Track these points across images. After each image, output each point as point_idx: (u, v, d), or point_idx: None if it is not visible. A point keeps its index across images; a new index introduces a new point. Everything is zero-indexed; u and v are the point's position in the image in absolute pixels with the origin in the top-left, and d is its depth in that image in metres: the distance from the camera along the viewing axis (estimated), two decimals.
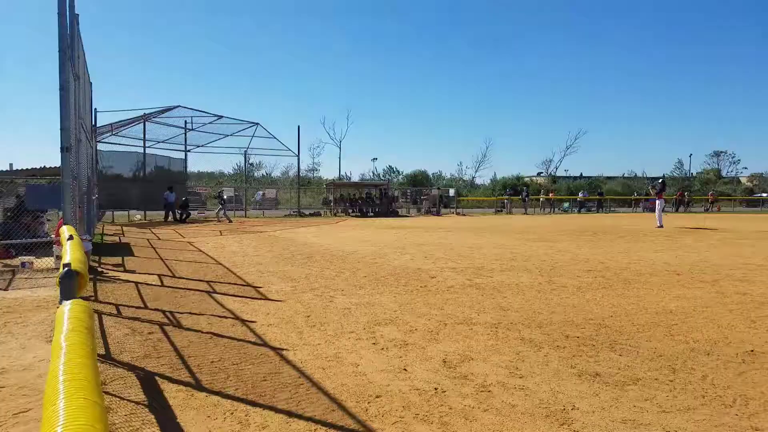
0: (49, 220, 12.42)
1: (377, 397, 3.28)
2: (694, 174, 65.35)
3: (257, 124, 27.17)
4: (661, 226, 18.25)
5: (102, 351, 4.14)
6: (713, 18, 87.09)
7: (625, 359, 3.96)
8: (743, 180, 66.78)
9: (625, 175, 64.52)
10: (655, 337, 4.57)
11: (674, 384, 3.45)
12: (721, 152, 70.81)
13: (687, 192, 42.51)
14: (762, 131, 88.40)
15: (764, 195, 46.45)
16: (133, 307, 5.83)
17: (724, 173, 69.23)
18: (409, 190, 38.53)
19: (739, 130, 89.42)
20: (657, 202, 19.19)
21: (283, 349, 4.25)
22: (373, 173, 59.32)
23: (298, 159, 29.94)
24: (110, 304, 5.92)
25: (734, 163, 70.40)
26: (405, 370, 3.77)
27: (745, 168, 69.34)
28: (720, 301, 6.02)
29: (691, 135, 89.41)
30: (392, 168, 62.30)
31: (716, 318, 5.24)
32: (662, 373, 3.65)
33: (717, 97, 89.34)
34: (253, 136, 27.79)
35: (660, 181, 21.09)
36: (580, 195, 39.47)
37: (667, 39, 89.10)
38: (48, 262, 8.56)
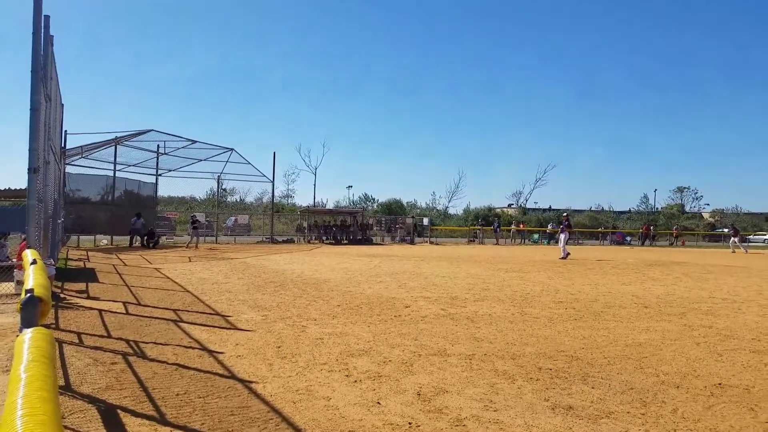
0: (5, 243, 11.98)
1: None
2: (659, 209, 67.37)
3: (232, 149, 27.05)
4: (565, 257, 19.08)
5: (62, 382, 3.95)
6: (676, 55, 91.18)
7: (598, 392, 3.96)
8: (706, 215, 69.12)
9: (593, 209, 66.13)
10: (626, 369, 4.61)
11: (646, 417, 3.46)
12: (684, 188, 73.38)
13: (652, 226, 43.65)
14: (723, 170, 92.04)
15: (726, 230, 48.02)
16: (95, 335, 5.60)
17: (687, 208, 71.59)
18: (383, 219, 38.64)
19: (701, 167, 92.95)
20: (562, 235, 20.27)
21: (252, 382, 4.12)
22: (349, 200, 59.43)
23: (273, 185, 29.86)
24: (72, 332, 5.68)
25: (697, 199, 73.00)
26: (378, 403, 3.69)
27: (707, 204, 71.92)
28: (688, 334, 6.12)
29: (656, 171, 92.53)
30: (367, 196, 62.62)
31: (684, 351, 5.31)
32: (634, 406, 3.66)
33: (681, 134, 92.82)
34: (227, 162, 27.59)
35: (565, 214, 22.40)
36: (550, 227, 40.22)
37: (632, 75, 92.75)
38: (8, 287, 8.21)
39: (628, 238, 41.95)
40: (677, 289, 10.44)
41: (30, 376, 1.09)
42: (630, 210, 67.92)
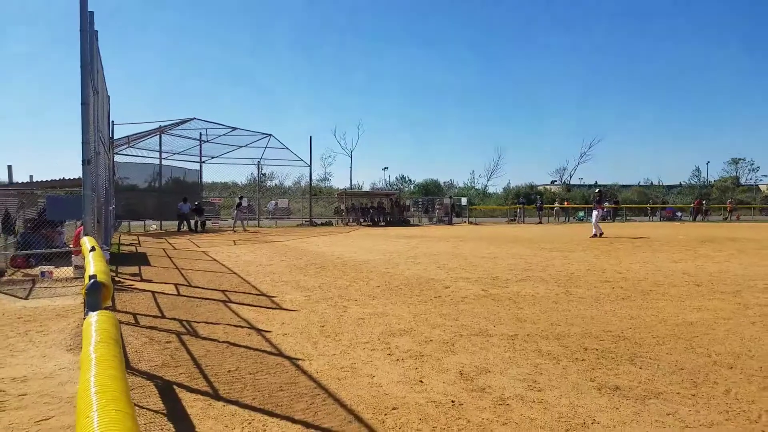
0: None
1: (394, 409, 3.26)
2: (712, 182, 64.37)
3: (270, 135, 27.45)
4: (601, 234, 18.38)
5: None
6: (729, 23, 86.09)
7: (646, 372, 3.90)
8: (763, 188, 65.49)
9: (641, 184, 63.84)
10: (675, 349, 4.50)
11: (697, 398, 3.38)
12: (740, 159, 69.43)
13: (705, 200, 41.87)
14: None
15: None
16: (150, 316, 5.88)
17: (742, 181, 67.90)
18: (420, 200, 38.52)
19: (757, 136, 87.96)
20: (594, 212, 19.63)
21: (298, 359, 4.25)
22: (386, 182, 59.46)
23: (310, 169, 30.19)
24: (128, 313, 5.98)
25: (753, 170, 68.88)
26: (421, 381, 3.75)
27: (765, 176, 67.93)
28: (742, 313, 5.91)
29: (708, 142, 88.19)
30: (404, 177, 62.47)
31: (738, 330, 5.14)
32: (684, 387, 3.58)
33: (735, 103, 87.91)
34: (266, 147, 28.07)
35: (597, 191, 21.56)
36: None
37: (684, 44, 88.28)
38: (67, 271, 8.68)
39: (679, 214, 40.40)
40: (731, 266, 10.05)
41: (99, 356, 1.18)
42: (681, 184, 65.10)
